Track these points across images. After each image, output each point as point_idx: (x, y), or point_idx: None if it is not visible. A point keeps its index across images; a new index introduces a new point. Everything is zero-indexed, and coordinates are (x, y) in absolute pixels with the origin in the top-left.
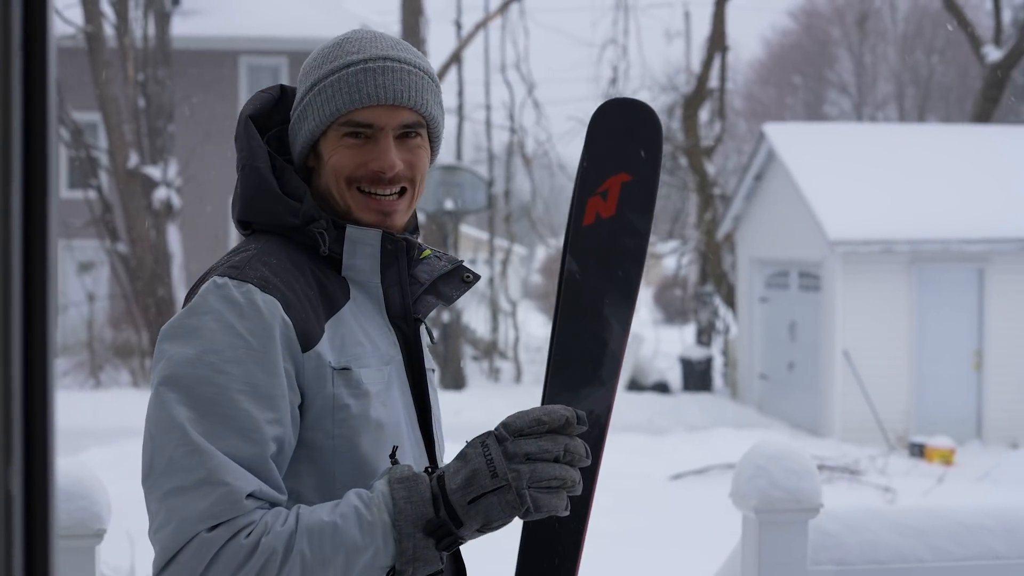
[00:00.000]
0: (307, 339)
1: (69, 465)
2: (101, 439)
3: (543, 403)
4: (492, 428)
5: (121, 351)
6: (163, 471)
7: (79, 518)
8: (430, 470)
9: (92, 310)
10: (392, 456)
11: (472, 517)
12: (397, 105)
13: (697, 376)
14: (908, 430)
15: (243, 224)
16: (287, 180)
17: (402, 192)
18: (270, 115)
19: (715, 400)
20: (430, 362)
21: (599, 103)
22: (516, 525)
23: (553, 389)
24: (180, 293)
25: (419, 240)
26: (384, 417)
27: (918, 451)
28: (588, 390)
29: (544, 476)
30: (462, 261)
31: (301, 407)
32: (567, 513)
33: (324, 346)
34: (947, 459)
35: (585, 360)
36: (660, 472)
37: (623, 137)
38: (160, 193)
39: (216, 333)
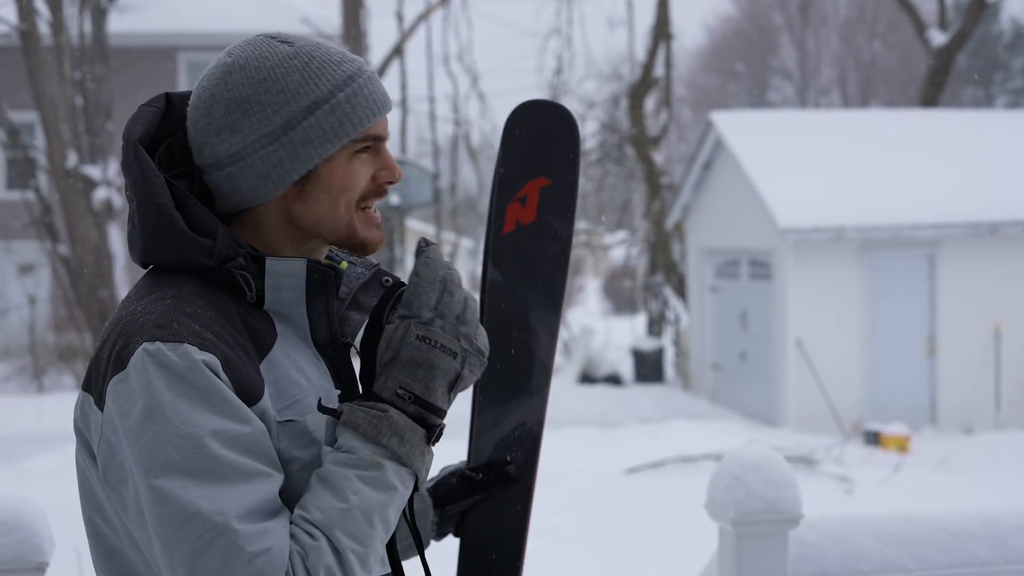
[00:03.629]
0: (249, 395)
1: (8, 495)
2: (45, 445)
3: (473, 418)
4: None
5: (64, 354)
6: (194, 569)
7: (18, 551)
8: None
9: (34, 313)
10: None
11: (451, 401)
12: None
13: (649, 367)
14: (862, 418)
15: (145, 264)
16: (192, 213)
17: None
18: (157, 130)
19: (667, 391)
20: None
21: (546, 95)
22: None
23: (482, 404)
24: (123, 294)
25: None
26: (311, 453)
27: (873, 439)
28: (517, 402)
29: (473, 325)
30: (378, 265)
31: None
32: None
33: (267, 398)
34: (902, 447)
35: (513, 371)
36: (615, 466)
37: (540, 141)
38: (100, 193)
39: (177, 402)
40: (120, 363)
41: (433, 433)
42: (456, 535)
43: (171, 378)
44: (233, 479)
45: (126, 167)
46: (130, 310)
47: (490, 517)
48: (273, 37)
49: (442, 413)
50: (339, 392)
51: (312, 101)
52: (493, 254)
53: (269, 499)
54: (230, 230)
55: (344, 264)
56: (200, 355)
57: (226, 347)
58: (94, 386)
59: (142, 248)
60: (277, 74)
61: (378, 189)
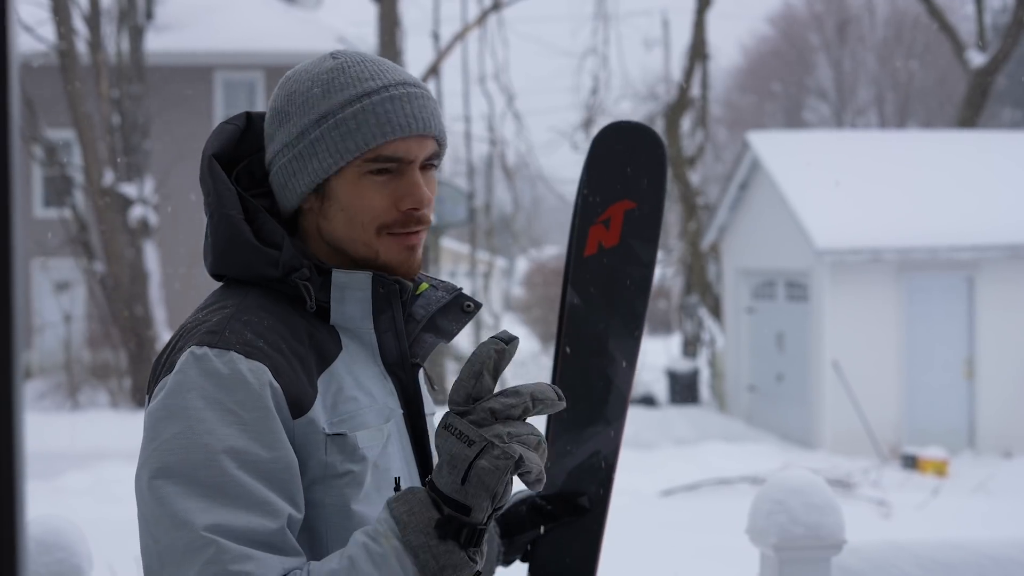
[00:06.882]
0: (298, 405)
1: (47, 514)
2: (79, 463)
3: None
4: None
5: (99, 372)
6: (175, 571)
7: (57, 571)
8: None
9: (69, 330)
10: (396, 488)
11: (473, 495)
12: (424, 135)
13: (684, 388)
14: (900, 441)
15: (217, 276)
16: (261, 225)
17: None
18: (237, 147)
19: (703, 413)
20: (429, 406)
21: (582, 114)
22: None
23: (555, 429)
24: (158, 312)
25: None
26: (380, 479)
27: (911, 463)
28: (593, 430)
29: (521, 431)
30: (460, 289)
31: None
32: (542, 481)
33: (317, 409)
34: (941, 470)
35: (589, 398)
36: (650, 488)
37: (626, 162)
38: (136, 211)
39: (204, 411)
40: (170, 366)
41: (447, 523)
42: (523, 560)
43: (210, 385)
44: (237, 501)
45: (201, 181)
46: (192, 319)
47: (560, 547)
48: (332, 53)
49: (452, 503)
50: (403, 412)
51: (322, 114)
52: (573, 277)
53: (269, 531)
54: (298, 242)
55: (424, 285)
56: (246, 363)
57: (279, 356)
58: (149, 390)
59: (212, 260)
60: (305, 87)
61: (404, 217)
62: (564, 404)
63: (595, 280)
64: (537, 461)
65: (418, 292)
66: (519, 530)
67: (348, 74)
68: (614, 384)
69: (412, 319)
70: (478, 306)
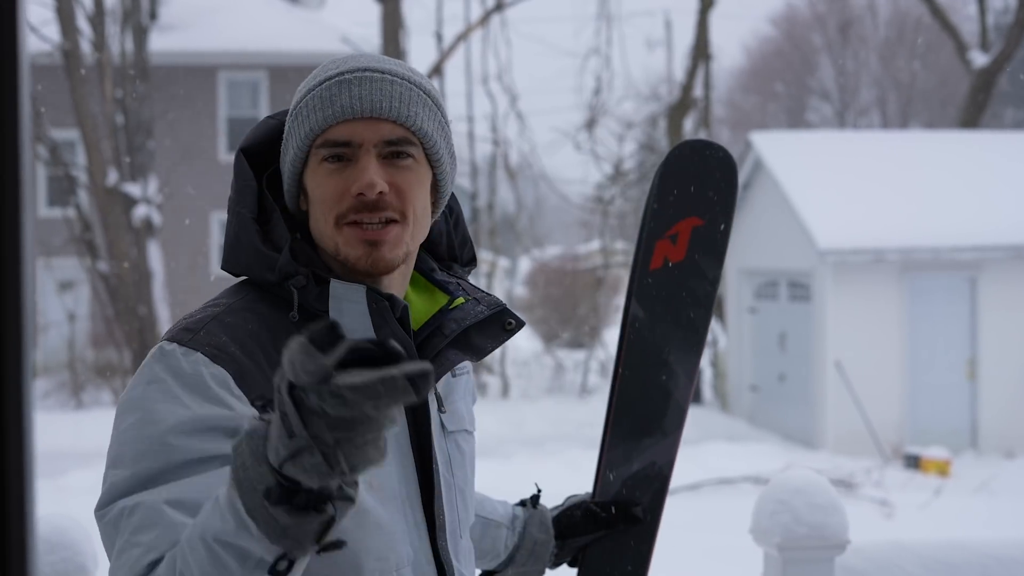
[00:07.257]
0: (267, 410)
1: (51, 513)
2: (83, 461)
3: (603, 452)
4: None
5: (103, 371)
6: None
7: (62, 570)
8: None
9: (73, 330)
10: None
11: (295, 478)
12: (377, 118)
13: None
14: (902, 441)
15: (230, 272)
16: (272, 227)
17: (389, 222)
18: (275, 144)
19: (705, 413)
20: (462, 422)
21: (585, 115)
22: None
23: (613, 439)
24: (162, 311)
25: (465, 278)
26: (369, 497)
27: (913, 462)
28: (650, 440)
29: (356, 442)
30: (504, 305)
31: None
32: (383, 461)
33: None
34: (943, 470)
35: (648, 410)
36: None
37: (696, 180)
38: (140, 210)
39: (158, 403)
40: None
41: (279, 490)
42: (571, 565)
43: (170, 379)
44: (169, 475)
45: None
46: (187, 314)
47: (611, 555)
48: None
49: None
50: (409, 429)
51: (292, 108)
52: (638, 289)
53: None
54: (306, 248)
55: (460, 300)
56: (209, 368)
57: (248, 362)
58: None
59: (222, 256)
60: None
61: (356, 203)
62: (415, 398)
63: (659, 294)
64: (369, 458)
65: (452, 307)
66: (571, 534)
67: (325, 67)
68: (673, 396)
69: (439, 333)
70: (520, 324)
